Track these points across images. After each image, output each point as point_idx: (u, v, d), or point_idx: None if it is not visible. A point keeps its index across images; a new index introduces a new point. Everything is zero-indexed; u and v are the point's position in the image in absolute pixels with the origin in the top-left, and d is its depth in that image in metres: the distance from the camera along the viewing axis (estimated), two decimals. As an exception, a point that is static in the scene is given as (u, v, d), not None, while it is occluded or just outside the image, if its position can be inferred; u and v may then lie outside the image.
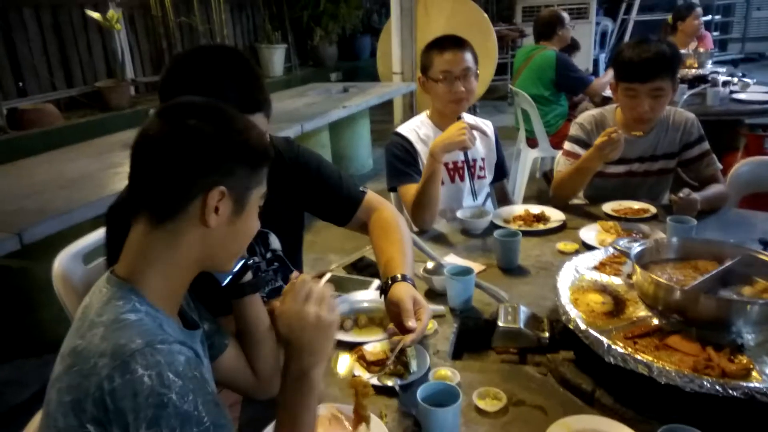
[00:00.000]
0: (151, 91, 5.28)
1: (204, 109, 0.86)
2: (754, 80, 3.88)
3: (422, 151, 2.03)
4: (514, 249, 1.64)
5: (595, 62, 7.39)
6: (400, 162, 2.04)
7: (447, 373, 1.15)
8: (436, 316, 1.37)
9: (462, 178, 2.13)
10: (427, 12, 5.37)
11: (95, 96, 4.72)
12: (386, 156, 2.11)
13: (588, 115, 2.19)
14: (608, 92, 3.59)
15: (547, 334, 1.24)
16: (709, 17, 8.26)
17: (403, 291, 1.21)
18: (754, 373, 0.96)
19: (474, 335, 1.35)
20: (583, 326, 1.11)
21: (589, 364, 1.11)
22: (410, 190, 1.95)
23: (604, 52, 7.95)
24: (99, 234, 1.43)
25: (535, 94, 4.00)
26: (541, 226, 1.89)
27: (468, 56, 2.02)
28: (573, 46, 4.66)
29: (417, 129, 2.10)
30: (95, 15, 4.47)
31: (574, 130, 2.17)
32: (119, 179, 2.68)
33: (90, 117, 4.45)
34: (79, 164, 3.08)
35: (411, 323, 1.14)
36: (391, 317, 1.22)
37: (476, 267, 1.60)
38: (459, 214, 1.95)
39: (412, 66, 5.27)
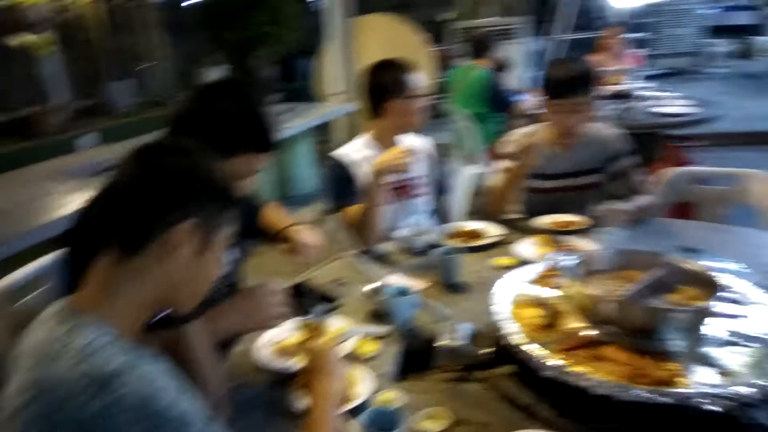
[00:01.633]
0: (84, 116, 5.09)
1: (174, 150, 0.90)
2: (677, 94, 4.12)
3: (360, 172, 2.05)
4: (455, 266, 1.67)
5: (534, 80, 7.67)
6: (337, 185, 2.06)
7: (392, 395, 1.15)
8: (380, 337, 1.37)
9: (403, 197, 2.15)
10: (363, 34, 5.44)
11: (23, 123, 4.50)
12: (324, 179, 2.12)
13: (521, 132, 2.27)
14: (535, 110, 3.73)
15: (490, 350, 1.26)
16: (636, 35, 8.73)
17: None
18: (683, 380, 1.00)
19: (419, 354, 1.35)
20: (518, 341, 1.13)
21: (529, 378, 1.13)
22: (350, 212, 1.96)
23: (541, 71, 8.23)
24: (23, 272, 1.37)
25: (471, 111, 4.11)
26: (480, 242, 1.93)
27: (419, 76, 2.08)
28: (504, 66, 4.82)
29: (356, 151, 2.12)
30: (23, 39, 4.28)
31: (508, 146, 2.24)
32: (48, 210, 2.56)
33: (17, 145, 4.24)
34: (4, 195, 2.92)
35: None
36: None
37: (420, 285, 1.61)
38: (401, 233, 1.97)
39: (352, 87, 5.31)
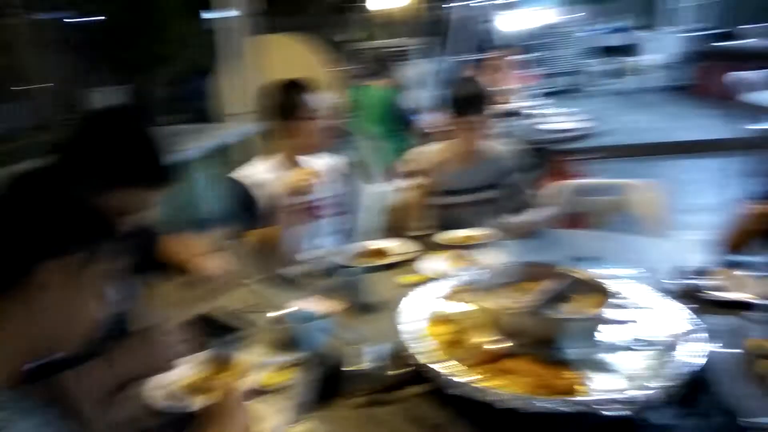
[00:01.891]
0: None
1: (40, 181, 0.83)
2: (563, 110, 4.39)
3: (264, 194, 2.00)
4: (365, 286, 1.65)
5: (433, 100, 7.91)
6: (240, 207, 1.99)
7: (305, 427, 1.11)
8: (290, 367, 1.33)
9: (311, 219, 2.12)
10: (264, 54, 5.36)
11: None
12: (226, 202, 2.05)
13: (424, 150, 2.32)
14: (435, 129, 3.84)
15: (402, 371, 1.25)
16: (525, 56, 9.25)
17: None
18: (583, 387, 1.04)
19: (331, 381, 1.32)
20: (427, 360, 1.14)
21: (440, 396, 1.13)
22: (255, 235, 1.90)
23: (440, 90, 8.53)
24: None
25: (375, 130, 4.16)
26: (389, 260, 1.94)
27: (320, 96, 2.06)
28: (405, 86, 4.93)
29: (260, 172, 2.06)
30: None
31: (411, 165, 2.28)
32: None
33: None
34: None
35: None
36: None
37: (329, 308, 1.58)
38: (308, 255, 1.93)
39: (254, 107, 5.20)
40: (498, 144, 2.32)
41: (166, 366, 1.19)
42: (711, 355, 1.30)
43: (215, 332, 1.40)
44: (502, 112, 4.24)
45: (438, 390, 1.12)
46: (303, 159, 2.08)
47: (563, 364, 1.11)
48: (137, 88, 6.87)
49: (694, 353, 1.11)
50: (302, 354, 1.37)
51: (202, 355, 1.29)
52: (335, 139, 2.28)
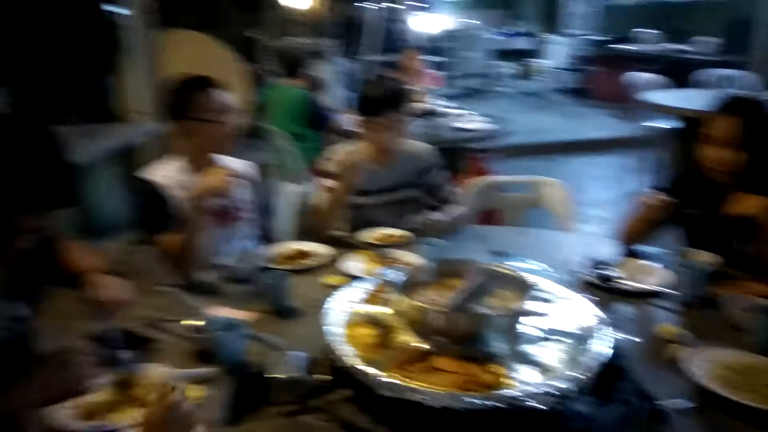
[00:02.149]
0: None
1: None
2: (473, 111, 4.52)
3: (175, 197, 1.89)
4: (284, 290, 1.61)
5: (347, 100, 7.90)
6: (149, 210, 1.87)
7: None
8: (208, 380, 1.26)
9: (226, 222, 2.03)
10: (168, 51, 5.12)
11: None
12: (132, 205, 1.92)
13: (341, 150, 2.29)
14: (350, 129, 3.84)
15: (326, 376, 1.22)
16: (435, 58, 9.48)
17: None
18: (509, 381, 1.06)
19: (252, 392, 1.26)
20: (353, 362, 1.11)
21: (367, 400, 1.11)
22: (166, 240, 1.79)
23: (354, 90, 8.55)
24: None
25: (290, 131, 4.08)
26: (307, 263, 1.90)
27: (224, 95, 1.95)
28: (319, 85, 4.88)
29: (168, 173, 1.95)
30: None
31: (329, 165, 2.25)
32: None
33: None
34: None
35: None
36: None
37: (248, 315, 1.51)
38: (224, 260, 1.85)
39: (155, 106, 4.95)
40: (416, 143, 2.34)
41: (76, 393, 1.09)
42: (623, 343, 1.37)
43: (122, 348, 1.30)
44: (415, 111, 4.30)
45: (365, 393, 1.09)
46: (215, 160, 1.99)
47: (488, 359, 1.13)
48: (28, 89, 6.35)
49: (608, 342, 1.16)
50: (221, 365, 1.30)
51: (108, 374, 1.19)
52: (247, 140, 2.21)
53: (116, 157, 4.96)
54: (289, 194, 4.10)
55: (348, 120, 4.18)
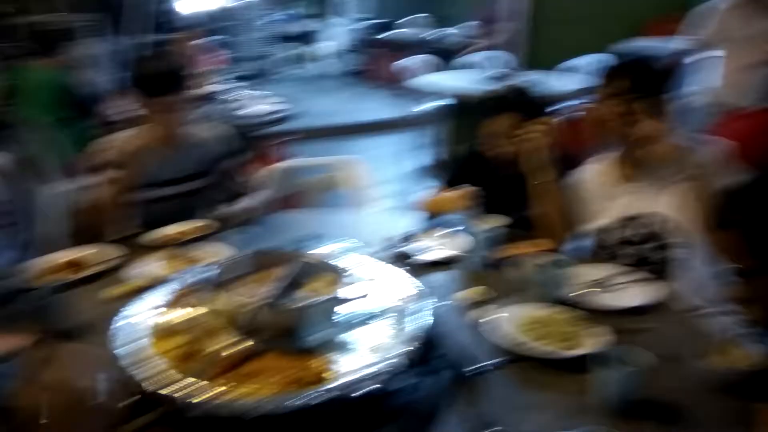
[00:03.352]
0: None
1: None
2: (260, 93, 4.36)
3: None
4: (59, 308, 1.35)
5: (117, 82, 7.09)
6: None
7: None
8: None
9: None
10: None
11: None
12: None
13: (117, 137, 2.01)
14: (124, 114, 3.44)
15: (131, 400, 1.04)
16: (216, 37, 8.98)
17: None
18: (331, 373, 1.01)
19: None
20: (156, 384, 0.97)
21: (181, 421, 0.97)
22: None
23: (126, 72, 7.71)
24: None
25: (50, 118, 3.51)
26: (84, 273, 1.63)
27: None
28: (80, 66, 4.29)
29: None
30: None
31: (105, 155, 1.96)
32: None
33: None
34: None
35: None
36: None
37: (15, 343, 1.23)
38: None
39: None
40: (205, 128, 2.15)
41: None
42: (436, 312, 1.42)
43: None
44: (198, 95, 4.01)
45: (177, 415, 0.96)
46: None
47: (309, 352, 1.06)
48: None
49: (425, 313, 1.17)
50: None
51: None
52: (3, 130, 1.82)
53: None
54: (51, 195, 3.54)
55: (119, 104, 3.73)
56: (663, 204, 1.66)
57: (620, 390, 1.06)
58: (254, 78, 10.31)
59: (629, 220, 1.73)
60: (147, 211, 2.02)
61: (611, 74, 1.70)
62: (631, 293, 1.49)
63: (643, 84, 1.62)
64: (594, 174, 1.83)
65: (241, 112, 3.96)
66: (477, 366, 1.18)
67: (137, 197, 1.99)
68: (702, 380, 1.15)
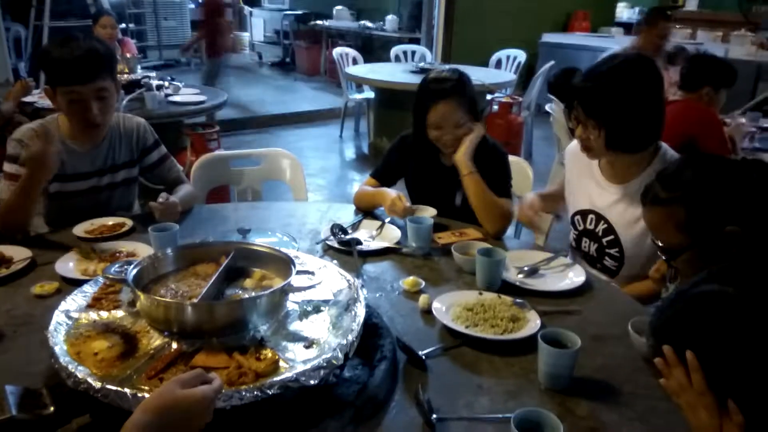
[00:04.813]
0: None
1: None
2: (183, 83, 4.18)
3: None
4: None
5: (15, 71, 6.56)
6: None
7: None
8: None
9: None
10: None
11: None
12: None
13: (27, 129, 1.86)
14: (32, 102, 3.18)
15: (51, 408, 0.97)
16: (125, 25, 8.56)
17: None
18: (281, 364, 0.98)
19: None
20: (95, 383, 0.91)
21: (112, 424, 0.92)
22: None
23: (22, 61, 7.16)
24: None
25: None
26: (4, 271, 1.51)
27: None
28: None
29: None
30: None
31: (12, 148, 1.81)
32: None
33: None
34: None
35: None
36: None
37: None
38: None
39: None
40: (124, 117, 2.03)
41: None
42: (376, 301, 1.42)
43: None
44: (125, 82, 3.79)
45: (109, 420, 0.90)
46: None
47: (258, 344, 1.03)
48: None
49: (364, 304, 1.17)
50: None
51: None
52: None
53: None
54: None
55: (24, 92, 3.46)
56: (620, 203, 1.70)
57: (556, 371, 1.10)
58: (173, 66, 9.90)
59: (589, 212, 1.79)
60: (62, 205, 1.89)
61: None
62: (560, 278, 1.56)
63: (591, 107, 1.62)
64: (574, 159, 1.86)
65: (170, 101, 3.78)
66: (420, 352, 1.19)
67: (54, 190, 1.86)
68: (627, 357, 1.21)
